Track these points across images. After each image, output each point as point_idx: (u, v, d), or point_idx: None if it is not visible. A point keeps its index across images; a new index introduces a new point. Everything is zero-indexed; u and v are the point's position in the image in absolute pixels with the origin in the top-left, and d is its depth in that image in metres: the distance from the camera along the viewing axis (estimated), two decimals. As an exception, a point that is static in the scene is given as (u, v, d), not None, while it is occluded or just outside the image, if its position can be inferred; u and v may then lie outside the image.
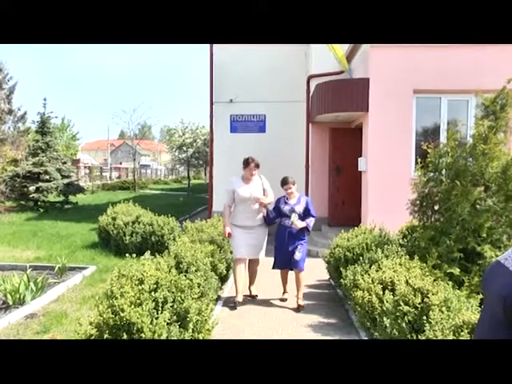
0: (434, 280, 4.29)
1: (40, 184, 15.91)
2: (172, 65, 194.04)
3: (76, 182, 18.64)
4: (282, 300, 5.99)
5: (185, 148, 29.18)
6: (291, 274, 5.98)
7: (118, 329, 3.36)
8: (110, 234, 8.75)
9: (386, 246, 5.50)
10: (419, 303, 3.88)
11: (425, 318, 3.64)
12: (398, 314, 3.92)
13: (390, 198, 7.71)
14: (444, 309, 3.67)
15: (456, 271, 4.68)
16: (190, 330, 3.86)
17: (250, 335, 4.78)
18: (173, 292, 3.86)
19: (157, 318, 3.46)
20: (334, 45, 9.68)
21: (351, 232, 6.54)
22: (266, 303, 5.95)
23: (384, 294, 4.26)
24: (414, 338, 3.68)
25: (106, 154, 59.63)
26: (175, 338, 3.60)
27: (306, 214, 5.75)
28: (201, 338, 4.04)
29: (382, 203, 7.96)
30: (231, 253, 6.42)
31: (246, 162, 5.94)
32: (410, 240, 5.58)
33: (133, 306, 3.44)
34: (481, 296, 4.03)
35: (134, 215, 8.91)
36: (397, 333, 3.85)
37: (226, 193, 6.06)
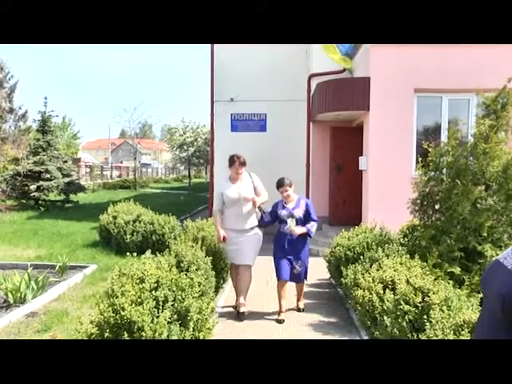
0: (435, 279, 4.30)
1: (41, 183, 15.95)
2: (172, 64, 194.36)
3: (77, 181, 18.69)
4: (278, 322, 5.17)
5: (185, 147, 29.23)
6: (291, 287, 5.53)
7: (118, 327, 3.36)
8: (110, 233, 8.78)
9: (386, 245, 5.50)
10: (420, 302, 3.88)
11: (425, 317, 3.64)
12: (398, 313, 3.93)
13: (390, 197, 7.71)
14: (444, 308, 3.67)
15: (457, 270, 4.68)
16: (191, 329, 3.87)
17: (251, 334, 4.79)
18: (173, 291, 3.86)
19: (157, 317, 3.46)
20: (330, 49, 9.68)
21: (352, 231, 6.55)
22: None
23: (384, 293, 4.27)
24: (415, 336, 3.69)
25: (107, 153, 59.73)
26: (176, 337, 3.61)
27: (306, 219, 5.28)
28: (201, 336, 4.06)
29: (383, 202, 7.96)
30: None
31: (231, 161, 5.47)
32: (411, 239, 5.57)
33: (133, 305, 3.45)
34: (481, 295, 4.03)
35: (134, 214, 8.93)
36: (397, 332, 3.85)
37: (216, 197, 5.64)
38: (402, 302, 3.95)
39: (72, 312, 5.28)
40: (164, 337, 3.42)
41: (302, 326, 5.05)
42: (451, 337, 3.31)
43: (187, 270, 4.95)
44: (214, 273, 5.38)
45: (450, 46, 7.85)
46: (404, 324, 3.81)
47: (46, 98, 17.44)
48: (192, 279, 4.28)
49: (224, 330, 4.88)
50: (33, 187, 15.93)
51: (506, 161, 4.77)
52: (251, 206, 5.42)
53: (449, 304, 3.75)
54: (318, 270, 7.25)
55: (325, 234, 9.65)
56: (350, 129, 10.46)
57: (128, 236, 8.42)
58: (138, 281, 3.87)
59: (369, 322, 4.49)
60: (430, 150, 5.28)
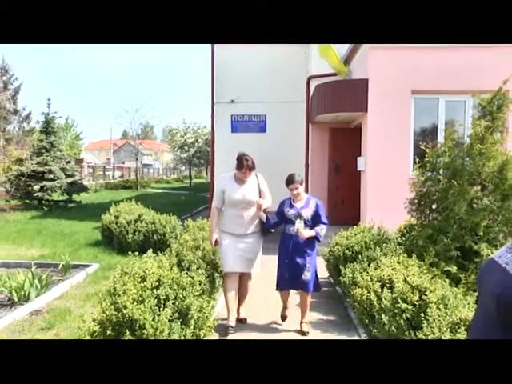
0: (432, 278, 4.32)
1: (44, 183, 16.02)
2: (172, 65, 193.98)
3: (79, 181, 18.76)
4: (282, 318, 5.07)
5: (186, 148, 29.25)
6: (295, 297, 5.08)
7: (120, 325, 3.39)
8: (112, 233, 8.82)
9: (384, 245, 5.54)
10: (417, 300, 3.91)
11: (422, 315, 3.66)
12: (396, 311, 3.95)
13: (388, 196, 7.75)
14: (441, 306, 3.70)
15: (453, 269, 4.72)
16: (192, 327, 3.91)
17: (250, 333, 4.83)
18: (174, 289, 3.89)
19: (159, 315, 3.49)
20: (328, 53, 9.72)
21: (350, 230, 6.58)
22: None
23: (382, 291, 4.29)
24: (412, 334, 3.70)
25: (109, 154, 59.79)
26: (177, 335, 3.62)
27: (315, 221, 4.72)
28: (202, 334, 4.09)
29: (381, 202, 8.01)
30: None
31: (240, 164, 4.86)
32: (408, 238, 5.61)
33: (135, 303, 3.48)
34: (477, 293, 4.05)
35: (136, 214, 8.98)
36: (395, 330, 3.87)
37: (216, 194, 5.07)
38: (400, 301, 3.97)
39: (75, 310, 5.32)
40: (165, 334, 3.45)
41: (301, 324, 5.08)
42: (448, 334, 3.33)
43: (188, 269, 4.99)
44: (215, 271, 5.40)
45: (447, 48, 7.92)
46: (401, 322, 3.83)
47: (49, 100, 17.52)
48: (193, 278, 4.30)
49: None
50: (36, 187, 16.00)
51: (502, 161, 4.81)
52: (254, 211, 4.93)
53: (445, 302, 3.77)
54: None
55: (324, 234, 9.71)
56: (349, 130, 10.53)
57: (130, 235, 8.47)
58: (139, 279, 3.89)
59: (367, 320, 4.52)
60: (427, 150, 5.32)
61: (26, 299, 5.53)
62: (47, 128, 17.39)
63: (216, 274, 5.62)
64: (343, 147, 10.62)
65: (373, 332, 4.34)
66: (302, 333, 4.78)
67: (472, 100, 7.16)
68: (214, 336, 4.50)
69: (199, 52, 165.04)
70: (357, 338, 4.72)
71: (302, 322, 4.87)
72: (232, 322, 4.75)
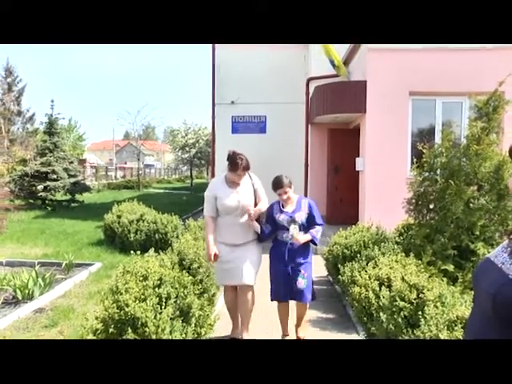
0: (429, 276, 4.34)
1: (48, 183, 16.12)
2: (172, 65, 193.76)
3: (82, 182, 18.87)
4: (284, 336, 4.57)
5: (187, 148, 29.37)
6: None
7: (122, 323, 3.40)
8: (115, 232, 8.88)
9: (382, 244, 5.55)
10: (414, 299, 3.92)
11: (420, 313, 3.66)
12: (394, 309, 3.97)
13: (386, 196, 7.78)
14: (439, 304, 3.71)
15: (450, 268, 4.75)
16: (193, 325, 3.91)
17: (251, 331, 4.87)
18: (176, 288, 3.91)
19: (160, 313, 3.50)
20: (331, 52, 9.77)
21: (349, 230, 6.61)
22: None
23: (380, 290, 4.32)
24: (410, 332, 3.69)
25: (112, 154, 59.87)
26: (178, 332, 3.61)
27: (310, 223, 4.31)
28: (203, 332, 4.10)
29: (379, 202, 8.05)
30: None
31: (233, 164, 4.23)
32: (406, 238, 5.63)
33: (137, 302, 3.48)
34: (473, 292, 4.05)
35: (138, 213, 9.04)
36: (393, 328, 3.89)
37: (207, 201, 4.38)
38: (398, 299, 3.99)
39: (78, 308, 5.37)
40: (167, 332, 3.45)
41: (300, 322, 5.12)
42: (445, 332, 3.35)
43: (189, 268, 5.01)
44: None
45: (443, 51, 7.99)
46: (399, 320, 3.84)
47: (52, 101, 17.67)
48: (194, 277, 4.35)
49: (227, 325, 4.81)
50: (40, 187, 16.09)
51: (498, 162, 4.84)
52: (248, 218, 4.34)
53: (443, 300, 3.78)
54: (316, 267, 7.31)
55: (323, 233, 9.74)
56: (348, 131, 10.60)
57: (132, 235, 8.54)
58: (141, 278, 3.91)
59: (365, 318, 4.54)
60: (424, 151, 5.35)
61: (30, 297, 5.59)
62: (51, 129, 17.52)
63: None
64: (342, 148, 10.69)
65: (371, 330, 4.35)
66: (297, 337, 4.49)
67: (468, 101, 7.22)
68: (215, 334, 4.54)
69: (199, 53, 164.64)
70: (355, 335, 4.74)
71: (297, 327, 4.55)
72: (235, 334, 4.50)
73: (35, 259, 7.47)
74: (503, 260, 1.44)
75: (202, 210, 4.60)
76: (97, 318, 3.49)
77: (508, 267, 1.40)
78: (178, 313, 3.77)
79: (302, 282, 4.24)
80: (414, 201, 5.45)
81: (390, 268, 4.65)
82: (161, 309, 3.58)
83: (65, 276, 6.75)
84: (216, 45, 12.24)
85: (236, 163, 4.22)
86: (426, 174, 5.35)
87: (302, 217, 4.28)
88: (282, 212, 4.30)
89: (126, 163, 56.38)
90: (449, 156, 5.12)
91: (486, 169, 4.89)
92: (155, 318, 3.45)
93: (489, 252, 2.28)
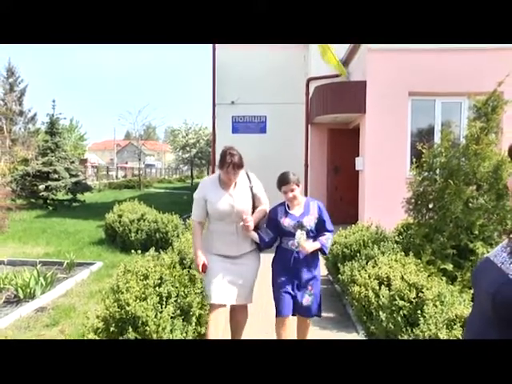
0: (429, 275, 4.36)
1: (49, 183, 16.20)
2: (172, 65, 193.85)
3: (83, 181, 18.94)
4: None
5: (188, 148, 29.42)
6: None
7: (123, 322, 3.41)
8: (116, 231, 8.92)
9: (382, 243, 5.55)
10: (414, 298, 3.94)
11: (419, 312, 3.69)
12: (393, 308, 4.00)
13: (386, 196, 7.80)
14: (438, 303, 3.73)
15: (449, 267, 4.76)
16: (194, 324, 3.93)
17: (249, 327, 4.86)
18: (176, 287, 3.91)
19: (161, 312, 3.51)
20: (327, 55, 9.79)
21: (349, 229, 6.62)
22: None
23: (380, 289, 4.33)
24: (409, 331, 3.72)
25: (113, 154, 59.80)
26: (179, 331, 3.62)
27: (319, 229, 3.73)
28: (203, 331, 4.11)
29: (379, 201, 8.07)
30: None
31: (223, 160, 3.60)
32: (406, 237, 5.63)
33: (138, 301, 3.49)
34: (473, 291, 4.05)
35: (139, 213, 9.07)
36: (392, 326, 3.91)
37: (196, 203, 3.80)
38: (397, 298, 4.01)
39: (79, 307, 5.40)
40: (167, 331, 3.46)
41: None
42: (444, 331, 3.36)
43: (190, 267, 5.03)
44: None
45: (443, 51, 8.01)
46: (399, 319, 3.87)
47: (54, 101, 17.77)
48: (194, 276, 4.34)
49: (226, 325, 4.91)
50: (41, 187, 16.18)
51: (496, 161, 4.85)
52: (244, 226, 3.70)
53: (442, 299, 3.81)
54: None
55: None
56: (347, 131, 10.63)
57: (133, 234, 8.58)
58: (142, 277, 3.91)
59: (365, 317, 4.55)
60: (423, 151, 5.36)
61: (32, 296, 5.62)
62: (52, 129, 17.61)
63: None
64: (342, 148, 10.75)
65: (371, 329, 4.37)
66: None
67: (468, 102, 7.24)
68: None
69: (200, 53, 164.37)
70: (355, 334, 4.76)
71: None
72: None
73: (37, 258, 7.53)
74: (503, 259, 1.44)
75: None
76: (98, 317, 3.50)
77: (508, 267, 1.40)
78: (178, 312, 3.78)
79: (308, 300, 3.71)
80: (413, 200, 5.45)
81: (390, 267, 4.65)
82: (161, 308, 3.59)
83: (66, 275, 6.80)
84: (216, 45, 12.27)
85: (225, 159, 3.57)
86: (426, 173, 5.35)
87: (310, 222, 3.67)
88: (287, 215, 3.69)
89: (126, 163, 56.44)
90: (448, 156, 5.12)
91: (484, 168, 4.90)
92: (156, 316, 3.46)
93: (488, 251, 2.29)
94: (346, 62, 10.28)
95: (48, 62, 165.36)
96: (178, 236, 8.04)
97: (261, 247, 3.84)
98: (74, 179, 17.24)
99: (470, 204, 4.91)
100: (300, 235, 3.59)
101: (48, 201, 16.45)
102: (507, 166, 4.83)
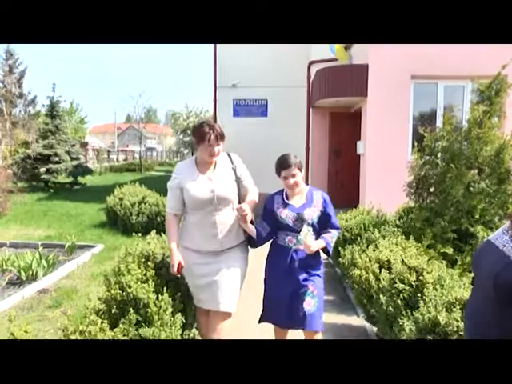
0: (429, 259, 4.35)
1: (50, 166, 16.21)
2: (174, 48, 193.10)
3: (84, 164, 18.98)
4: None
5: (189, 131, 29.34)
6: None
7: (125, 304, 3.41)
8: (117, 214, 8.96)
9: (382, 227, 5.55)
10: (414, 281, 3.93)
11: (419, 295, 3.69)
12: (393, 291, 3.97)
13: (387, 180, 7.79)
14: (438, 286, 3.73)
15: (449, 251, 4.75)
16: (193, 307, 3.88)
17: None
18: None
19: (162, 294, 3.49)
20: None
21: (349, 213, 6.62)
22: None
23: (380, 272, 4.33)
24: (409, 313, 3.77)
25: (113, 137, 59.71)
26: (179, 314, 3.66)
27: (322, 224, 3.20)
28: None
29: (380, 185, 8.06)
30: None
31: (200, 133, 3.04)
32: (406, 221, 5.62)
33: (139, 283, 3.49)
34: (473, 275, 4.06)
35: (140, 196, 9.10)
36: (392, 309, 3.90)
37: (170, 192, 3.30)
38: (397, 281, 3.99)
39: (81, 289, 5.45)
40: (168, 313, 3.45)
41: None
42: (444, 313, 3.39)
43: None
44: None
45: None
46: (399, 302, 3.85)
47: (54, 84, 17.72)
48: None
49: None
50: (42, 170, 16.19)
51: (499, 145, 4.82)
52: (232, 212, 3.21)
53: (442, 283, 3.79)
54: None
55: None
56: (349, 114, 10.57)
57: (134, 217, 8.61)
58: (143, 260, 3.89)
59: (365, 300, 4.56)
60: (425, 134, 5.33)
61: (34, 278, 5.68)
62: (52, 112, 17.56)
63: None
64: (343, 131, 10.72)
65: (371, 312, 4.40)
66: None
67: (471, 85, 7.17)
68: None
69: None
70: (355, 317, 4.82)
71: None
72: None
73: (39, 241, 7.58)
74: (504, 242, 1.46)
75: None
76: (99, 299, 3.52)
77: (510, 249, 1.42)
78: (179, 293, 3.76)
79: (310, 303, 3.06)
80: (414, 184, 5.44)
81: (390, 251, 4.65)
82: (162, 290, 3.57)
83: (68, 257, 6.85)
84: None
85: (203, 132, 3.03)
86: (427, 157, 5.32)
87: (312, 215, 3.13)
88: (285, 206, 3.16)
89: (127, 146, 56.39)
90: (450, 140, 5.10)
91: (486, 152, 4.87)
92: (157, 298, 3.46)
93: (488, 235, 2.29)
94: (348, 46, 10.18)
95: (48, 44, 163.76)
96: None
97: (256, 243, 3.26)
98: (74, 162, 17.25)
99: (472, 188, 4.89)
100: (305, 231, 3.03)
101: (49, 184, 16.48)
102: (509, 150, 4.81)
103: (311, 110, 11.30)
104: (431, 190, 5.30)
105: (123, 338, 2.82)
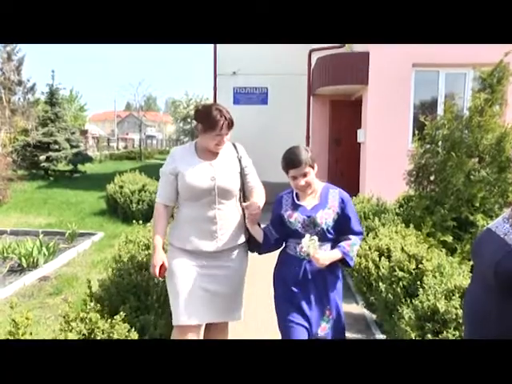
0: (428, 247, 4.34)
1: (50, 153, 16.16)
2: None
3: (84, 152, 18.91)
4: None
5: (189, 119, 29.26)
6: None
7: (126, 291, 3.44)
8: (117, 202, 8.97)
9: (382, 215, 5.56)
10: (414, 269, 3.95)
11: (419, 282, 3.69)
12: (393, 279, 4.00)
13: (387, 168, 7.76)
14: (437, 274, 3.73)
15: (449, 239, 4.76)
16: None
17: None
18: None
19: (163, 282, 3.42)
20: None
21: (350, 201, 6.62)
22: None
23: (380, 260, 4.34)
24: (408, 301, 3.79)
25: (113, 125, 59.47)
26: None
27: (340, 230, 2.63)
28: None
29: (380, 173, 8.04)
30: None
31: (210, 119, 2.59)
32: (406, 209, 5.63)
33: (140, 270, 3.52)
34: (472, 263, 4.08)
35: (140, 184, 9.11)
36: (392, 297, 3.93)
37: (163, 179, 2.88)
38: (397, 269, 4.01)
39: (82, 276, 5.45)
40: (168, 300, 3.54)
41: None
42: (443, 301, 3.41)
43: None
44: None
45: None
46: (398, 290, 3.87)
47: (53, 71, 17.63)
48: None
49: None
50: (42, 158, 16.14)
51: (500, 134, 4.81)
52: (234, 207, 2.79)
53: (441, 271, 3.79)
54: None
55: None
56: (349, 102, 10.49)
57: (134, 205, 8.63)
58: (143, 247, 3.92)
59: (365, 288, 4.57)
60: (426, 123, 5.31)
61: (35, 265, 5.70)
62: (52, 99, 17.47)
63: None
64: (344, 120, 10.65)
65: (370, 299, 4.42)
66: None
67: (472, 73, 7.12)
68: None
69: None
70: (355, 305, 4.83)
71: None
72: None
73: (39, 228, 7.59)
74: (505, 230, 1.46)
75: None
76: (100, 286, 3.53)
77: (511, 238, 1.42)
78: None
79: (325, 328, 2.58)
80: (414, 172, 5.43)
81: (390, 239, 4.65)
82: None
83: (68, 245, 6.88)
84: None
85: (214, 119, 2.58)
86: (428, 145, 5.31)
87: (327, 218, 2.57)
88: (295, 208, 2.62)
89: (127, 134, 56.16)
90: (451, 128, 5.08)
91: (487, 141, 4.86)
92: (157, 285, 3.48)
93: (488, 223, 2.28)
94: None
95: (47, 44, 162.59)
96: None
97: (260, 248, 2.79)
98: (74, 150, 17.20)
99: (472, 176, 4.88)
100: (309, 242, 2.42)
101: (49, 171, 16.46)
102: (510, 139, 4.80)
103: (311, 98, 11.21)
104: (431, 178, 5.29)
105: (124, 332, 2.80)
